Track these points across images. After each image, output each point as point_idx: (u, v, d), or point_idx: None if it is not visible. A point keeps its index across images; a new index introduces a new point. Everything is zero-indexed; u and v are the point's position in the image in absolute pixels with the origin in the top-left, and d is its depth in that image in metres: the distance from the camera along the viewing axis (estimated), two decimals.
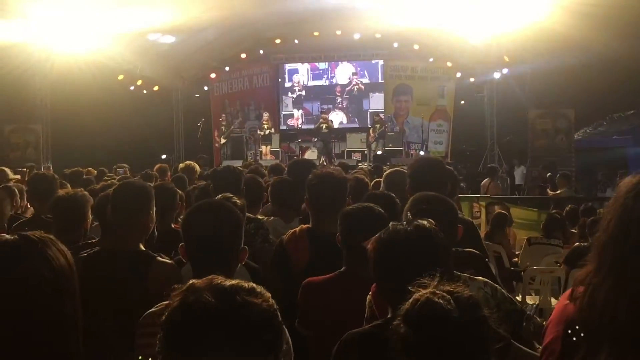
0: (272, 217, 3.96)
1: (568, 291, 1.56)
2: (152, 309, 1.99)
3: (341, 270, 2.62)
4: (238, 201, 3.22)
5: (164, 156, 13.80)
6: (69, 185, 6.40)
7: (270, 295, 1.30)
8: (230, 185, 4.01)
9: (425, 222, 2.02)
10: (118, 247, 2.72)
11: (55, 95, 14.39)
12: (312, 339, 2.56)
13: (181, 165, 8.12)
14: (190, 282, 1.29)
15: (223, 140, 17.85)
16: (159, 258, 2.64)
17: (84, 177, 7.72)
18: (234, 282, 1.29)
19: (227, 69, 18.78)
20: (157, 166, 8.47)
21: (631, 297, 1.34)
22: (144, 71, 15.75)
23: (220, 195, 3.71)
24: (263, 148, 17.39)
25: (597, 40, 12.28)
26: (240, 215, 2.45)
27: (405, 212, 2.51)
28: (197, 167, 7.78)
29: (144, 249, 2.75)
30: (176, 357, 1.23)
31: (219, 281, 1.28)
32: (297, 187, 3.99)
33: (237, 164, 12.17)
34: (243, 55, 17.99)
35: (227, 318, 1.22)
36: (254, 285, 1.31)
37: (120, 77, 15.44)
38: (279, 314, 1.30)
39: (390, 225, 2.04)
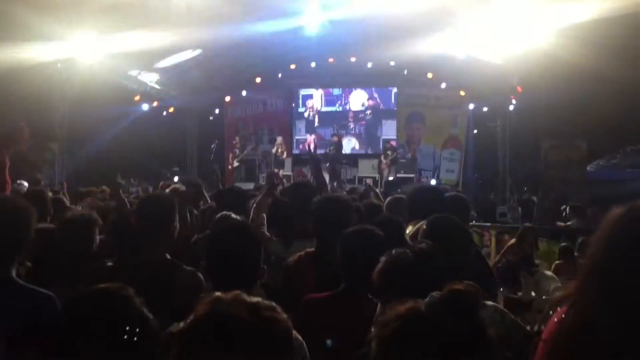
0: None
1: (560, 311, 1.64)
2: None
3: (339, 289, 2.66)
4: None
5: (176, 178, 13.94)
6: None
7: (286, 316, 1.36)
8: (235, 206, 4.06)
9: (425, 246, 2.10)
10: (144, 256, 2.86)
11: (73, 115, 14.60)
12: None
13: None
14: (217, 294, 1.33)
15: (236, 164, 17.97)
16: (185, 267, 2.73)
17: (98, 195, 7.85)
18: (257, 299, 1.34)
19: (243, 93, 18.99)
20: (171, 187, 8.55)
21: (626, 320, 1.42)
22: (160, 92, 15.98)
23: (219, 215, 3.76)
24: (276, 171, 17.49)
25: (611, 71, 12.32)
26: (260, 236, 2.53)
27: (421, 234, 2.57)
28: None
29: (169, 257, 2.84)
30: None
31: (244, 297, 1.33)
32: (295, 210, 4.02)
33: (250, 186, 12.28)
34: (258, 80, 18.22)
35: (255, 330, 1.27)
36: (274, 304, 1.36)
37: (137, 97, 15.68)
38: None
39: (393, 251, 2.12)
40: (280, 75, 18.34)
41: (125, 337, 1.50)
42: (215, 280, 2.26)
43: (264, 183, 15.51)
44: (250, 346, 1.26)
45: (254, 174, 17.71)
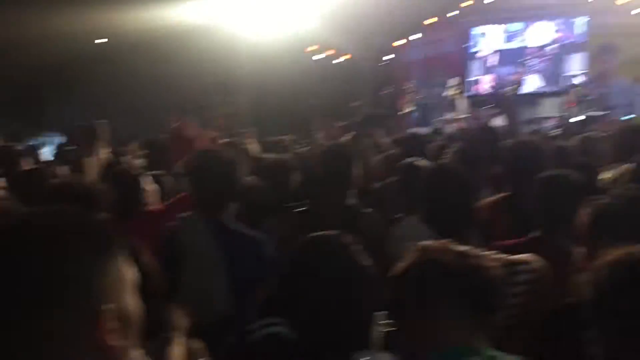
0: None
1: None
2: None
3: (534, 235, 2.58)
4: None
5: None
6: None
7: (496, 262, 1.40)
8: (416, 151, 4.14)
9: (636, 191, 2.02)
10: (331, 202, 3.06)
11: (255, 69, 15.47)
12: None
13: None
14: (426, 242, 1.41)
15: (410, 108, 17.81)
16: (367, 211, 2.87)
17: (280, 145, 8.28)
18: (466, 247, 1.40)
19: (413, 36, 18.58)
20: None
21: None
22: (334, 42, 16.29)
23: (404, 161, 3.85)
24: (450, 115, 17.06)
25: None
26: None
27: (629, 177, 2.40)
28: None
29: (353, 202, 2.99)
30: (412, 308, 1.36)
31: (453, 245, 1.39)
32: (483, 155, 3.93)
33: (424, 131, 12.13)
34: (430, 21, 17.67)
35: (463, 277, 1.34)
36: (481, 251, 1.40)
37: (312, 47, 16.15)
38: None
39: (605, 196, 2.04)
40: (453, 14, 17.60)
41: (348, 284, 1.58)
42: (431, 226, 2.33)
43: (439, 127, 15.24)
44: (458, 292, 1.33)
45: (428, 118, 17.45)
